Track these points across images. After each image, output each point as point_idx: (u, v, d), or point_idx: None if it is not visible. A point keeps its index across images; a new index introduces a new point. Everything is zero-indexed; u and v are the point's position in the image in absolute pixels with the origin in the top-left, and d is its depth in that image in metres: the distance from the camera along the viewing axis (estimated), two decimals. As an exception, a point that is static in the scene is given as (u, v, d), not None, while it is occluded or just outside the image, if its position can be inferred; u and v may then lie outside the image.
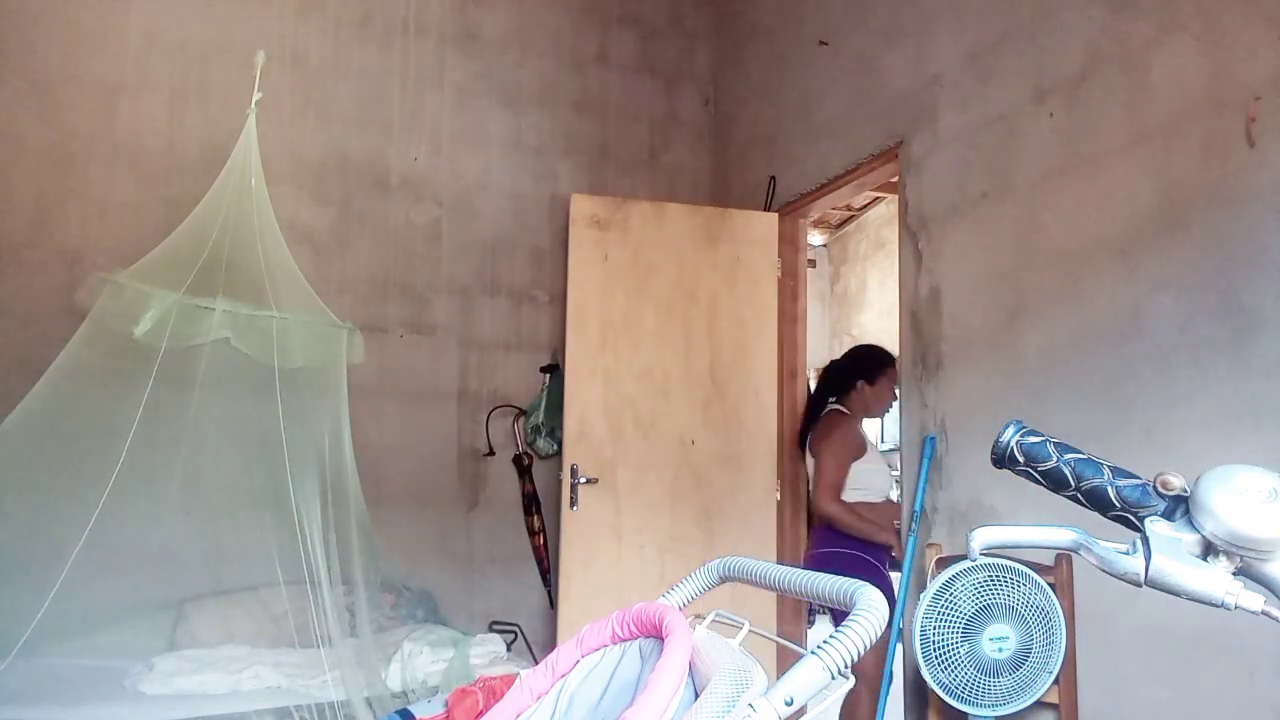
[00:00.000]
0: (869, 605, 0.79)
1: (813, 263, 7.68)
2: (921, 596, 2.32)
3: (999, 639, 2.28)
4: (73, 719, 2.57)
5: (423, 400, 4.13)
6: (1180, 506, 0.81)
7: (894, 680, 2.98)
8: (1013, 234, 2.72)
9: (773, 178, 4.10)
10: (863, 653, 0.76)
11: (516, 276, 4.37)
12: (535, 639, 4.02)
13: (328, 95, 4.08)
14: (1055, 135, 2.58)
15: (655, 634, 0.97)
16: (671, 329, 3.80)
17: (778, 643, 0.97)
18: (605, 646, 1.06)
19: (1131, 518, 0.84)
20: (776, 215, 3.98)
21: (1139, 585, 0.80)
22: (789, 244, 4.02)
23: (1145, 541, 0.80)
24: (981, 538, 0.87)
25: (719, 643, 0.92)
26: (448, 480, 4.16)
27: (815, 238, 7.93)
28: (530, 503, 4.23)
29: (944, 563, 2.62)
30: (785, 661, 2.72)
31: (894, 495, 3.31)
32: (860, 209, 7.52)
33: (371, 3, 4.20)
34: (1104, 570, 0.82)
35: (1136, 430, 2.28)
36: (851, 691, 3.00)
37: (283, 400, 2.87)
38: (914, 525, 3.00)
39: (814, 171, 3.81)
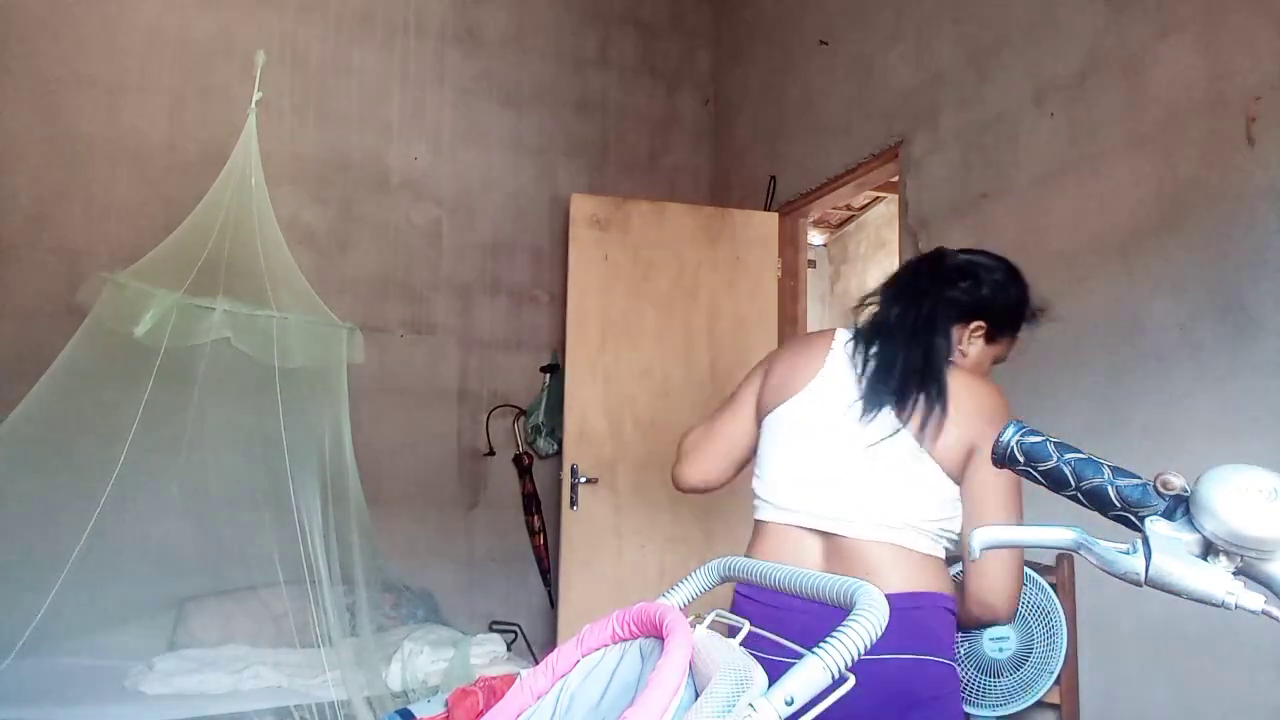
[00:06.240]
0: (870, 605, 0.79)
1: (813, 263, 7.66)
2: (921, 596, 2.32)
3: (999, 639, 2.28)
4: (73, 719, 2.56)
5: (423, 400, 4.13)
6: (1181, 506, 0.81)
7: None
8: (1013, 234, 2.72)
9: (773, 177, 4.10)
10: (863, 652, 0.76)
11: (516, 276, 4.37)
12: (535, 639, 4.02)
13: (328, 95, 4.08)
14: (1055, 135, 2.58)
15: (655, 633, 0.97)
16: (671, 329, 3.79)
17: (778, 642, 0.96)
18: (605, 646, 1.05)
19: (1132, 517, 0.84)
20: (777, 215, 3.97)
21: (1139, 585, 0.79)
22: (789, 244, 4.02)
23: (1145, 541, 0.79)
24: (981, 537, 0.87)
25: (719, 642, 0.92)
26: (448, 480, 4.16)
27: (815, 238, 7.91)
28: (530, 502, 4.22)
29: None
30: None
31: None
32: (860, 209, 7.50)
33: (371, 3, 4.20)
34: (1104, 570, 0.82)
35: (1136, 430, 2.28)
36: None
37: (283, 400, 2.86)
38: None
39: (814, 171, 3.81)
